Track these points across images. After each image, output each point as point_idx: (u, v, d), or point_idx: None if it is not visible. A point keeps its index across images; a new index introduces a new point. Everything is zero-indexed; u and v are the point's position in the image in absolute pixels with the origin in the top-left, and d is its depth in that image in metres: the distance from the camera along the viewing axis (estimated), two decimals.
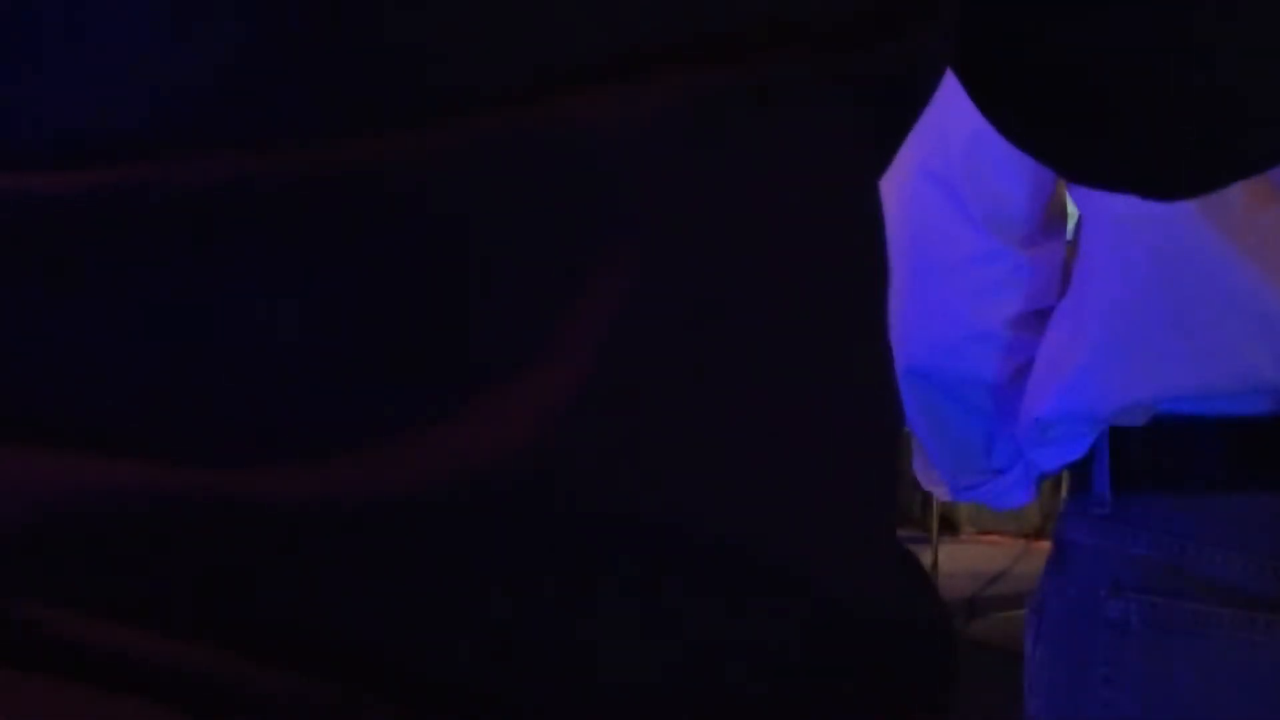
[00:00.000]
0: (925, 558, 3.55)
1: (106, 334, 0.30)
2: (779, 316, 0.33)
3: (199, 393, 0.30)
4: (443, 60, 0.30)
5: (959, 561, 3.77)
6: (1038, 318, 1.16)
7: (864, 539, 0.35)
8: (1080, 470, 1.17)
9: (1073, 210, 1.19)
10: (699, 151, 0.31)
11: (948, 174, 1.13)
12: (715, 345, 0.32)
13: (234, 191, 0.29)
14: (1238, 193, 1.06)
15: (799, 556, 0.33)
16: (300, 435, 0.30)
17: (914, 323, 1.16)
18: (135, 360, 0.30)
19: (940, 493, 1.32)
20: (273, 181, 0.29)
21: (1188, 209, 1.05)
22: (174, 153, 0.29)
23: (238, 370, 0.30)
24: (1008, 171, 1.13)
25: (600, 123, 0.30)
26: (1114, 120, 0.48)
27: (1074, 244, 1.17)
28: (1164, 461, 1.11)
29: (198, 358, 0.30)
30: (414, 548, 0.30)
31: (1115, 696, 1.12)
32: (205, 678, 0.29)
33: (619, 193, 0.30)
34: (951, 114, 1.14)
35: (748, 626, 0.33)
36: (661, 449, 0.31)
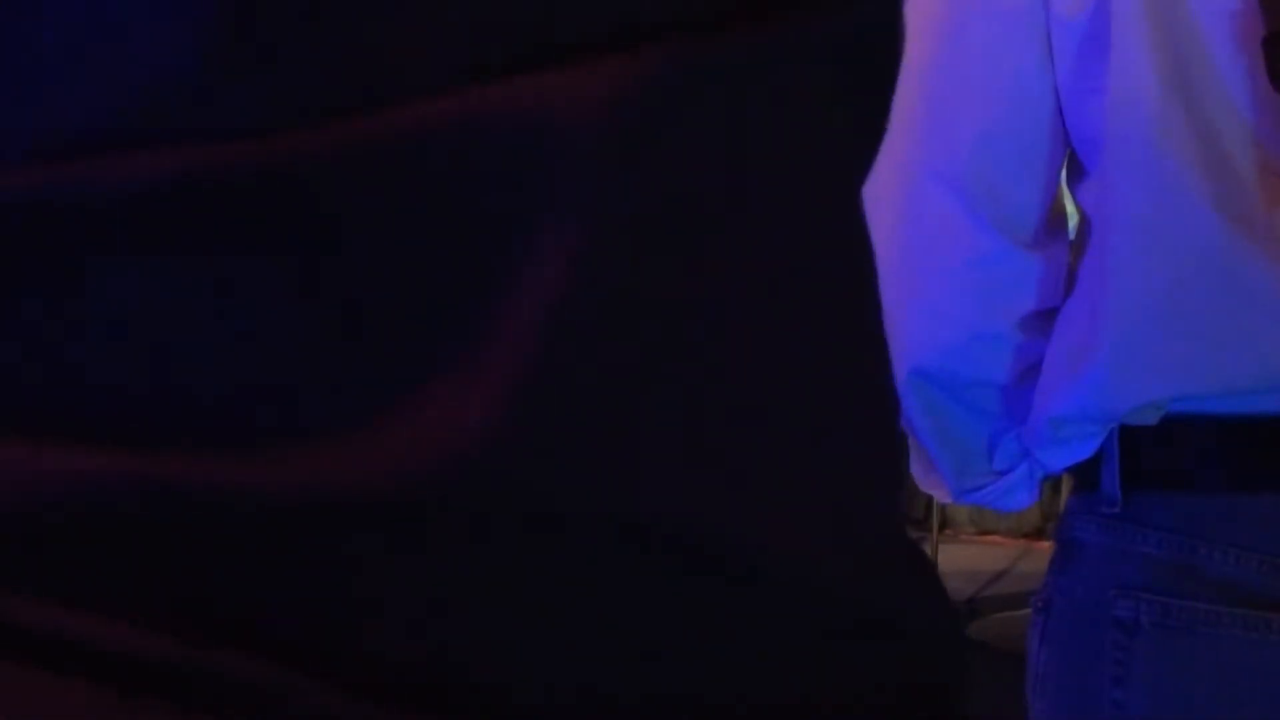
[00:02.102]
0: None
1: (54, 328, 0.30)
2: (740, 307, 0.32)
3: (141, 386, 0.30)
4: (377, 50, 0.30)
5: (959, 561, 3.78)
6: (1044, 318, 1.16)
7: (851, 536, 0.35)
8: (1087, 469, 1.16)
9: (1071, 211, 1.19)
10: (644, 137, 0.31)
11: (955, 175, 1.12)
12: (668, 335, 0.31)
13: (175, 189, 0.29)
14: (1256, 192, 1.05)
15: (775, 551, 0.33)
16: (244, 429, 0.30)
17: (920, 324, 1.15)
18: (75, 354, 0.30)
19: (940, 495, 1.31)
20: (209, 179, 0.29)
21: (1205, 208, 1.05)
22: (117, 151, 0.30)
23: (175, 365, 0.30)
24: (1015, 172, 1.12)
25: (538, 110, 0.30)
26: None
27: (1075, 245, 1.17)
28: (1174, 461, 1.11)
29: (133, 352, 0.30)
30: (358, 541, 0.29)
31: (1124, 697, 1.11)
32: (157, 663, 0.29)
33: (558, 181, 0.30)
34: (959, 115, 1.14)
35: (723, 626, 0.32)
36: (613, 441, 0.31)
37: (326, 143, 0.29)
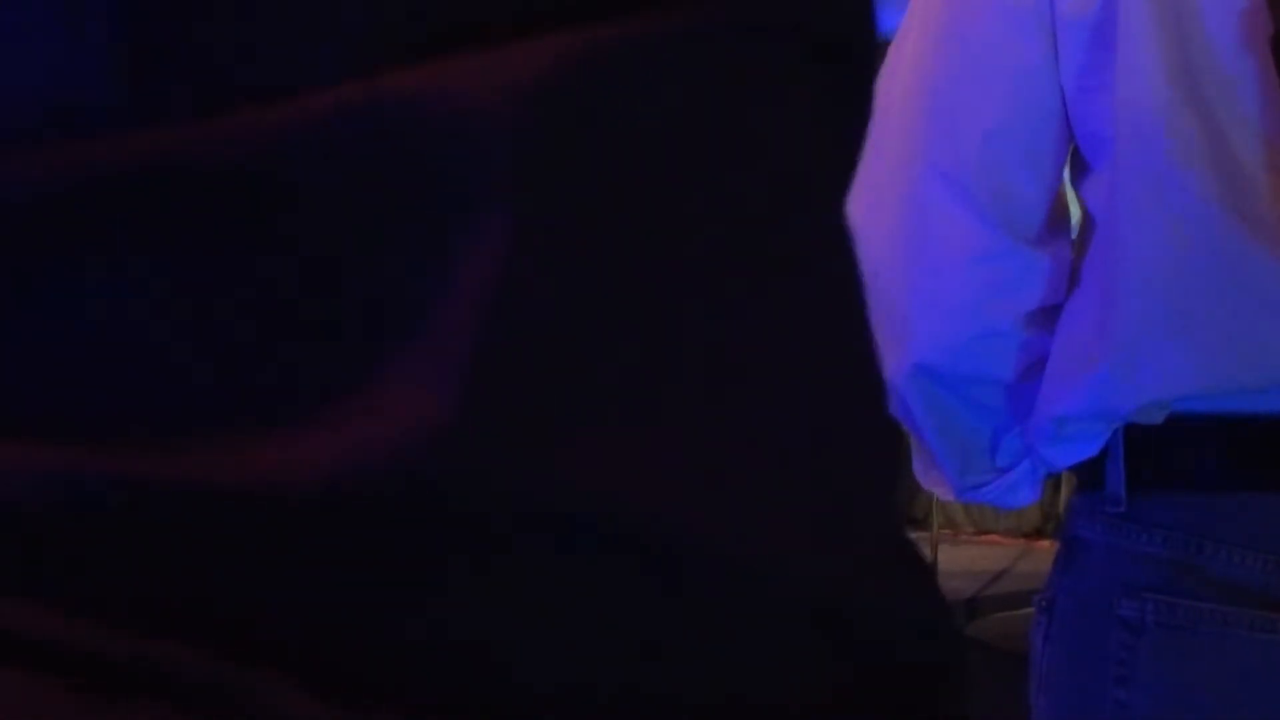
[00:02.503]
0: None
1: None
2: (698, 295, 0.32)
3: (84, 382, 0.29)
4: (298, 31, 0.29)
5: (959, 561, 3.78)
6: (1048, 315, 1.16)
7: (833, 534, 0.34)
8: (1091, 468, 1.16)
9: (1073, 208, 1.19)
10: (575, 119, 0.30)
11: (959, 172, 1.12)
12: (612, 321, 0.31)
13: (74, 184, 0.29)
14: (1263, 190, 1.05)
15: (744, 548, 0.32)
16: (188, 424, 0.29)
17: (925, 321, 1.15)
18: (15, 351, 0.30)
19: (942, 493, 1.31)
20: (119, 174, 0.29)
21: (1212, 206, 1.05)
22: (11, 148, 0.29)
23: (113, 362, 0.29)
24: (1020, 169, 1.12)
25: (464, 93, 0.29)
26: None
27: (1078, 242, 1.17)
28: (1180, 460, 1.11)
29: (74, 348, 0.29)
30: (305, 538, 0.29)
31: (1128, 696, 1.11)
32: (99, 656, 0.29)
33: (489, 165, 0.29)
34: (963, 112, 1.14)
35: (696, 624, 0.31)
36: (566, 430, 0.30)
37: (246, 131, 0.29)
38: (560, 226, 0.30)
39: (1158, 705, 1.10)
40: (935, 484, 1.29)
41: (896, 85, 1.16)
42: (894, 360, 1.17)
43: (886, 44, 1.19)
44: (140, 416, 0.29)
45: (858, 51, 0.36)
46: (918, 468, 1.30)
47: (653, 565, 0.31)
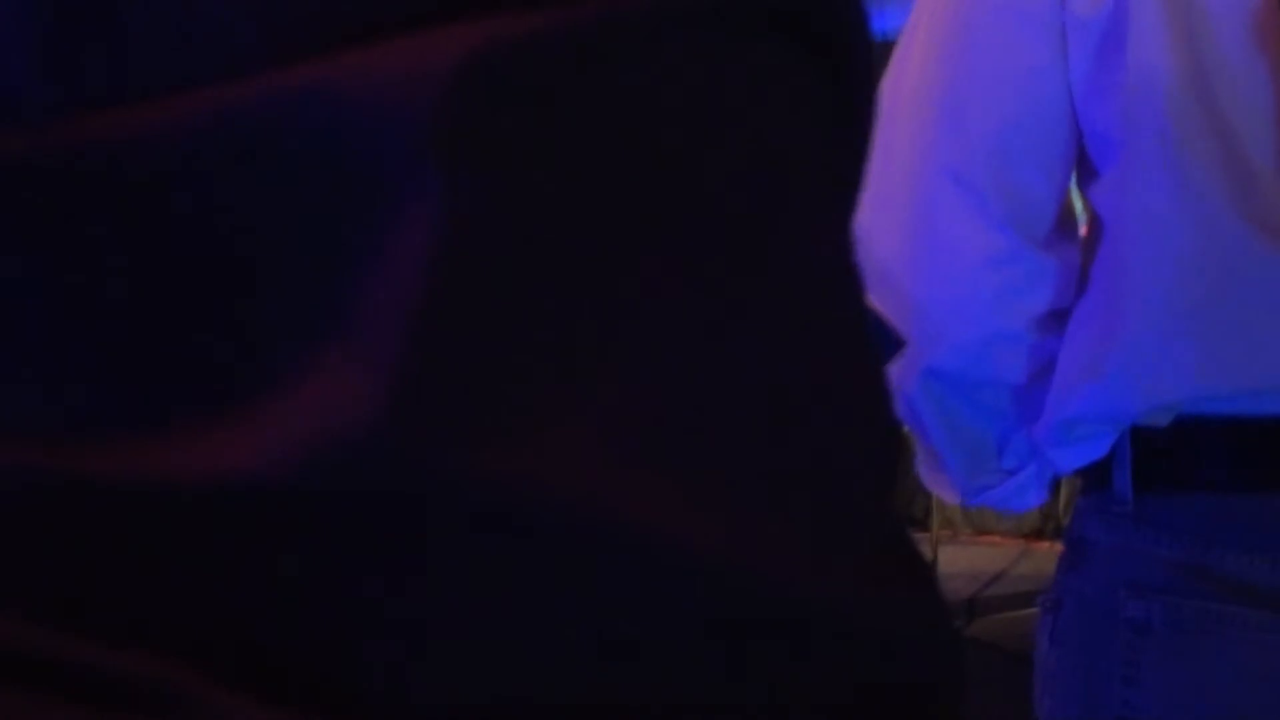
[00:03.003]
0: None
1: None
2: (655, 286, 0.30)
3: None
4: (207, 20, 0.28)
5: (959, 562, 3.78)
6: (1058, 319, 1.15)
7: (828, 536, 0.33)
8: (1098, 469, 1.16)
9: (1079, 211, 1.19)
10: (515, 102, 0.29)
11: (969, 173, 1.12)
12: (556, 309, 0.30)
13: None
14: (1274, 191, 1.05)
15: (705, 546, 0.31)
16: (104, 420, 0.29)
17: (935, 324, 1.15)
18: None
19: (948, 496, 1.31)
20: (19, 163, 0.29)
21: (1222, 208, 1.05)
22: None
23: (22, 357, 0.29)
24: (1030, 171, 1.12)
25: (391, 79, 0.29)
26: None
27: (1086, 245, 1.17)
28: (1187, 461, 1.11)
29: None
30: (247, 529, 0.28)
31: (1134, 697, 1.11)
32: (40, 658, 0.28)
33: (414, 153, 0.29)
34: (973, 113, 1.14)
35: (669, 628, 0.30)
36: (506, 424, 0.29)
37: (157, 123, 0.28)
38: (490, 216, 0.29)
39: (1165, 706, 1.10)
40: (941, 487, 1.29)
41: (904, 85, 1.16)
42: (903, 363, 1.17)
43: (884, 42, 1.19)
44: (50, 414, 0.29)
45: (841, 44, 0.35)
46: (923, 470, 1.29)
47: (617, 567, 0.30)
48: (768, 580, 0.32)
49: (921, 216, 1.14)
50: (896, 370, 1.18)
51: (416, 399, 0.28)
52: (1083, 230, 1.20)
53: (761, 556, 0.32)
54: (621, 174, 0.31)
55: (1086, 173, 1.15)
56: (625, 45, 0.31)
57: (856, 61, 0.36)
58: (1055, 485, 1.33)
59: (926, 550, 3.67)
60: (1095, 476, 1.17)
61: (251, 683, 0.28)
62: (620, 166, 0.31)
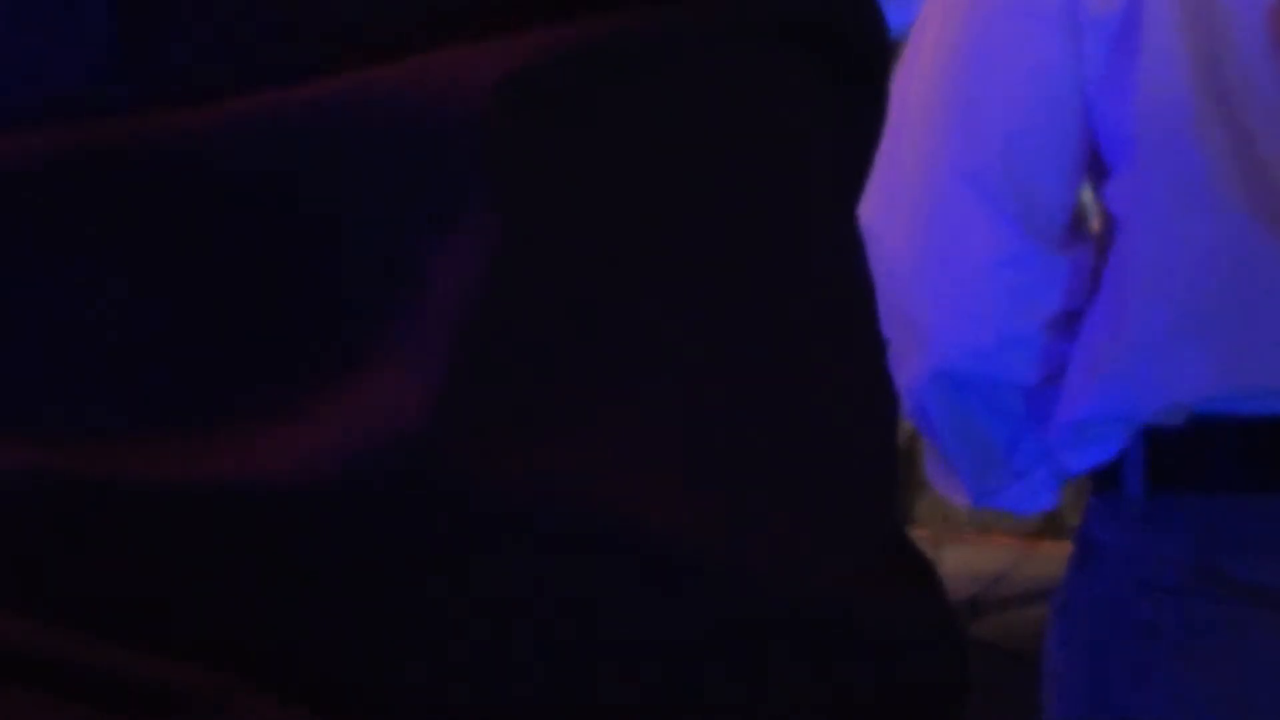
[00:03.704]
0: None
1: None
2: (678, 289, 0.31)
3: (44, 377, 0.29)
4: (270, 24, 0.29)
5: (959, 562, 3.77)
6: (1070, 320, 1.15)
7: (827, 540, 0.34)
8: (1109, 469, 1.16)
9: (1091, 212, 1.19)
10: (564, 112, 0.30)
11: (982, 173, 1.12)
12: (601, 320, 0.30)
13: (53, 170, 0.29)
14: None
15: (732, 554, 0.31)
16: (160, 421, 0.29)
17: (946, 326, 1.15)
18: None
19: (958, 498, 1.31)
20: (92, 159, 0.29)
21: (1236, 209, 1.04)
22: None
23: (78, 356, 0.29)
24: (1042, 170, 1.12)
25: (444, 87, 0.29)
26: None
27: (1098, 246, 1.16)
28: (1199, 462, 1.10)
29: (31, 342, 0.29)
30: (280, 535, 0.29)
31: (1145, 699, 1.11)
32: (66, 662, 0.28)
33: (467, 158, 0.29)
34: (985, 112, 1.13)
35: (675, 629, 0.31)
36: (551, 433, 0.29)
37: (220, 121, 0.29)
38: (540, 221, 0.30)
39: (1175, 708, 1.10)
40: (951, 489, 1.29)
41: (915, 84, 1.15)
42: (913, 365, 1.17)
43: (897, 42, 1.18)
44: (107, 414, 0.29)
45: (862, 48, 0.36)
46: (932, 472, 1.29)
47: (642, 568, 0.31)
48: (784, 583, 0.32)
49: (932, 216, 1.14)
50: (906, 371, 1.18)
51: (463, 404, 0.29)
52: (1094, 229, 1.19)
53: (778, 560, 0.32)
54: (662, 185, 0.31)
55: (1099, 172, 1.15)
56: (668, 56, 0.31)
57: (874, 66, 0.36)
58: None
59: (928, 550, 3.67)
60: (1106, 477, 1.17)
61: (295, 688, 0.29)
62: (660, 178, 0.31)
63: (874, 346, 0.36)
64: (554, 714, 0.30)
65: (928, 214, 1.14)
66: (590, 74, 0.30)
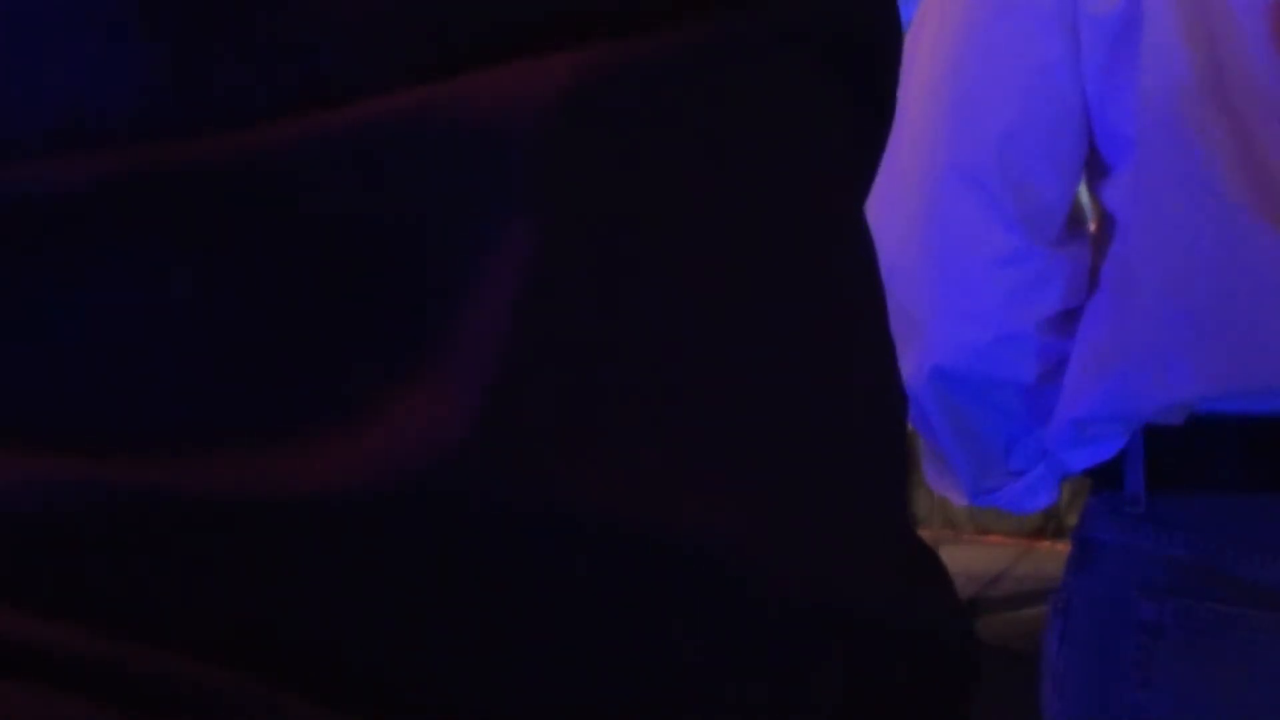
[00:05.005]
0: None
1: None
2: (723, 305, 0.32)
3: (94, 389, 0.29)
4: (321, 44, 0.29)
5: (959, 562, 3.78)
6: (1068, 318, 1.15)
7: (851, 539, 0.34)
8: (1109, 468, 1.15)
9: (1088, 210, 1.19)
10: (609, 129, 0.30)
11: (979, 171, 1.11)
12: (642, 332, 0.31)
13: (109, 191, 0.29)
14: None
15: (771, 555, 0.32)
16: (216, 433, 0.29)
17: (945, 324, 1.14)
18: (22, 357, 0.29)
19: (955, 497, 1.30)
20: (149, 179, 0.29)
21: (1236, 208, 1.04)
22: (48, 154, 0.29)
23: (127, 368, 0.29)
24: (1041, 168, 1.12)
25: (490, 107, 0.29)
26: None
27: (1096, 244, 1.16)
28: (1200, 460, 1.10)
29: (84, 355, 0.29)
30: (333, 545, 0.29)
31: (1147, 699, 1.11)
32: (123, 670, 0.28)
33: (513, 179, 0.29)
34: (984, 110, 1.13)
35: (715, 632, 0.31)
36: (590, 441, 0.30)
37: (275, 141, 0.29)
38: (585, 237, 0.30)
39: (1178, 708, 1.09)
40: (948, 488, 1.29)
41: (913, 81, 1.15)
42: (911, 363, 1.16)
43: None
44: (159, 425, 0.29)
45: (882, 56, 0.37)
46: (929, 471, 1.29)
47: (683, 573, 0.31)
48: (815, 581, 0.32)
49: (931, 214, 1.13)
50: (904, 369, 1.17)
51: (506, 417, 0.29)
52: (1091, 228, 1.19)
53: (809, 558, 0.32)
54: (703, 201, 0.32)
55: (1098, 171, 1.15)
56: (716, 73, 0.32)
57: (889, 76, 0.37)
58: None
59: None
60: (1105, 476, 1.16)
61: (342, 695, 0.29)
62: (703, 194, 0.32)
63: (886, 345, 0.37)
64: (595, 716, 0.30)
65: (925, 212, 1.14)
66: (638, 91, 0.30)
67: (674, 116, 0.31)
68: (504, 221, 0.29)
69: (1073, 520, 1.30)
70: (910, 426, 1.25)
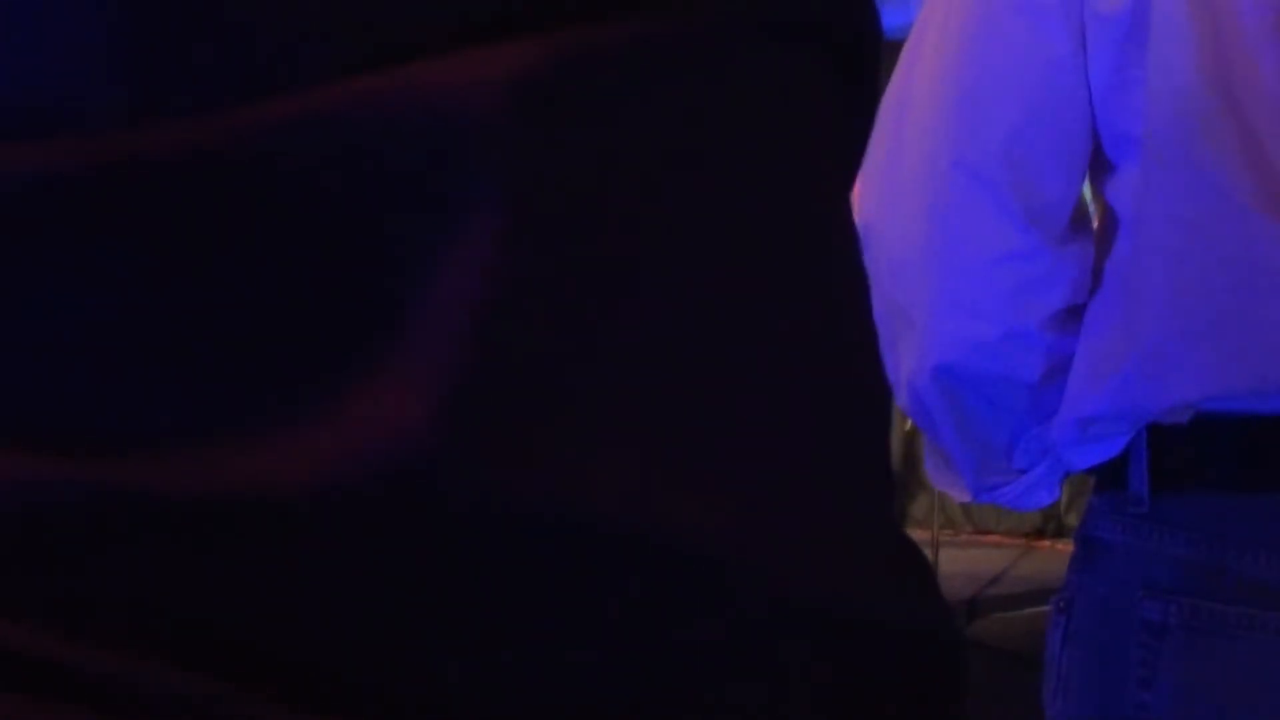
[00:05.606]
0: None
1: None
2: (692, 297, 0.31)
3: (47, 388, 0.29)
4: (281, 28, 0.29)
5: (959, 562, 3.78)
6: (1072, 316, 1.15)
7: (839, 538, 0.33)
8: (1112, 468, 1.15)
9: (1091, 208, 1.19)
10: (572, 115, 0.30)
11: (985, 168, 1.11)
12: (612, 328, 0.30)
13: (55, 183, 0.28)
14: None
15: (742, 552, 0.31)
16: (172, 429, 0.28)
17: (948, 320, 1.14)
18: None
19: (956, 494, 1.30)
20: (94, 170, 0.28)
21: (1243, 207, 1.04)
22: (7, 142, 0.29)
23: (82, 366, 0.29)
24: (1046, 165, 1.11)
25: (446, 92, 0.29)
26: None
27: (1100, 242, 1.16)
28: (1205, 460, 1.10)
29: (38, 351, 0.29)
30: (290, 543, 0.28)
31: (1150, 699, 1.10)
32: (84, 672, 0.28)
33: (472, 166, 0.29)
34: (989, 107, 1.13)
35: (687, 630, 0.31)
36: (553, 435, 0.29)
37: (228, 130, 0.28)
38: (549, 225, 0.29)
39: (1181, 707, 1.09)
40: (950, 485, 1.29)
41: (919, 79, 1.15)
42: (914, 360, 1.16)
43: (890, 42, 1.18)
44: (117, 422, 0.29)
45: (862, 45, 0.36)
46: (931, 468, 1.29)
47: (652, 571, 0.30)
48: (797, 581, 0.32)
49: (936, 211, 1.13)
50: (907, 365, 1.17)
51: (471, 407, 0.28)
52: (1094, 226, 1.19)
53: (789, 558, 0.32)
54: (671, 189, 0.31)
55: (1103, 169, 1.15)
56: (681, 60, 0.31)
57: (868, 67, 0.37)
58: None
59: (927, 550, 3.67)
60: (1108, 475, 1.16)
61: (308, 695, 0.28)
62: (670, 182, 0.31)
63: (871, 341, 0.36)
64: (570, 716, 0.30)
65: (930, 208, 1.14)
66: (602, 78, 0.30)
67: (640, 103, 0.30)
68: (467, 209, 0.29)
69: (1072, 520, 1.31)
70: (912, 426, 1.25)
